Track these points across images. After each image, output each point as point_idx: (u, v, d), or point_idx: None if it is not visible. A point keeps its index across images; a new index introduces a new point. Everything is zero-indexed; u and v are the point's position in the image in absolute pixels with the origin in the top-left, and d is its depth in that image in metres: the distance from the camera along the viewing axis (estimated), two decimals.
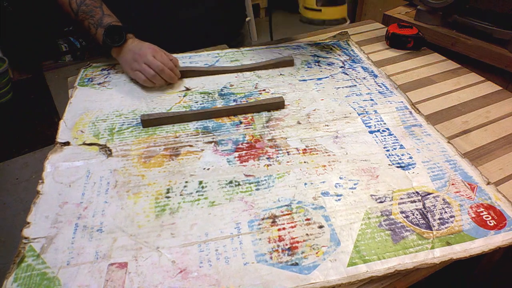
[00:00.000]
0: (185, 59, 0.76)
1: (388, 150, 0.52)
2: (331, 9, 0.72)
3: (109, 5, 0.69)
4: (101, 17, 0.65)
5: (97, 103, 0.63)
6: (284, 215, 0.43)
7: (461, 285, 0.84)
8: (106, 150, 0.53)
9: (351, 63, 0.75)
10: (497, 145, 0.55)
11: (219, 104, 0.63)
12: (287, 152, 0.52)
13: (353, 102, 0.63)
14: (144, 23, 0.74)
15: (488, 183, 0.47)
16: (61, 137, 0.55)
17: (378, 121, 0.58)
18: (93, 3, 0.67)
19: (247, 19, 0.96)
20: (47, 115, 1.87)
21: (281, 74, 0.71)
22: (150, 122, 0.58)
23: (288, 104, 0.62)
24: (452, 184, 0.47)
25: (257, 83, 0.69)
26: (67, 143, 0.54)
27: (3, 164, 1.59)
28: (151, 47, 0.65)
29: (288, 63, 0.74)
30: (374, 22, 0.97)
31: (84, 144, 0.54)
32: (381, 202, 0.44)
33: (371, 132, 0.56)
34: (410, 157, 0.51)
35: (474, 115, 0.62)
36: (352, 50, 0.80)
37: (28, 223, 0.42)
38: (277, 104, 0.61)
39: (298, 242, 0.40)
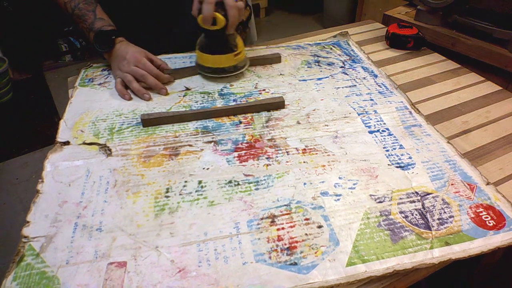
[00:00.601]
0: (185, 59, 0.76)
1: (387, 150, 0.52)
2: (212, 57, 0.66)
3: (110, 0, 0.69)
4: (93, 21, 0.66)
5: (97, 103, 0.63)
6: (283, 214, 0.43)
7: (461, 285, 0.84)
8: (106, 150, 0.53)
9: (351, 63, 0.75)
10: (497, 145, 0.55)
11: (219, 104, 0.63)
12: (287, 152, 0.52)
13: (353, 102, 0.63)
14: (147, 20, 0.74)
15: (488, 183, 0.47)
16: (61, 136, 0.55)
17: (377, 121, 0.58)
18: (87, 7, 0.67)
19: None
20: (47, 115, 1.87)
21: (281, 74, 0.71)
22: (150, 121, 0.58)
23: (288, 104, 0.62)
24: (452, 184, 0.47)
25: (257, 83, 0.69)
26: (67, 143, 0.54)
27: (3, 164, 1.59)
28: (135, 54, 0.64)
29: (276, 59, 0.75)
30: (374, 22, 0.97)
31: (84, 143, 0.54)
32: (380, 202, 0.44)
33: (370, 132, 0.56)
34: (410, 157, 0.51)
35: (474, 115, 0.62)
36: (352, 50, 0.80)
37: (28, 222, 0.42)
38: (277, 104, 0.61)
39: (297, 242, 0.40)
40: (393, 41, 0.83)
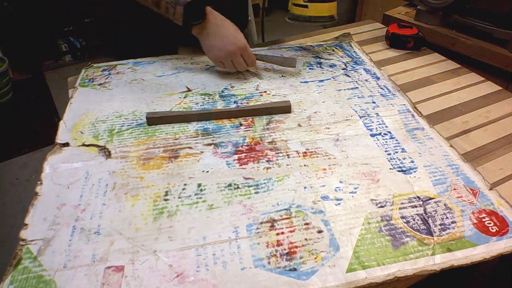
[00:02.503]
0: (187, 60, 0.76)
1: (389, 154, 0.52)
2: (318, 6, 0.71)
3: None
4: None
5: (98, 104, 0.63)
6: (283, 219, 0.43)
7: (461, 285, 0.84)
8: (105, 152, 0.53)
9: (354, 65, 0.74)
10: (497, 145, 0.55)
11: (220, 105, 0.62)
12: (287, 155, 0.52)
13: (355, 105, 0.62)
14: (147, 18, 0.73)
15: (491, 189, 0.46)
16: (60, 137, 0.55)
17: (379, 124, 0.58)
18: None
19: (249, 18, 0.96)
20: (47, 115, 1.86)
21: (282, 76, 0.71)
22: (155, 120, 0.57)
23: None
24: (454, 189, 0.46)
25: (258, 85, 0.68)
26: (66, 144, 0.54)
27: (3, 164, 1.58)
28: (240, 43, 0.67)
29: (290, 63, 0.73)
30: (374, 22, 0.97)
31: (84, 145, 0.54)
32: (381, 206, 0.44)
33: (372, 135, 0.56)
34: (412, 161, 0.50)
35: (474, 115, 0.61)
36: (354, 51, 0.79)
37: (26, 224, 0.42)
38: (284, 109, 0.60)
39: (296, 247, 0.39)
40: (393, 41, 0.83)
